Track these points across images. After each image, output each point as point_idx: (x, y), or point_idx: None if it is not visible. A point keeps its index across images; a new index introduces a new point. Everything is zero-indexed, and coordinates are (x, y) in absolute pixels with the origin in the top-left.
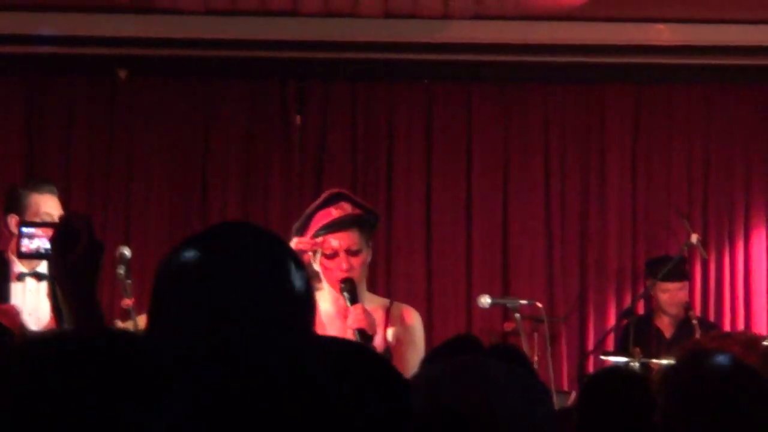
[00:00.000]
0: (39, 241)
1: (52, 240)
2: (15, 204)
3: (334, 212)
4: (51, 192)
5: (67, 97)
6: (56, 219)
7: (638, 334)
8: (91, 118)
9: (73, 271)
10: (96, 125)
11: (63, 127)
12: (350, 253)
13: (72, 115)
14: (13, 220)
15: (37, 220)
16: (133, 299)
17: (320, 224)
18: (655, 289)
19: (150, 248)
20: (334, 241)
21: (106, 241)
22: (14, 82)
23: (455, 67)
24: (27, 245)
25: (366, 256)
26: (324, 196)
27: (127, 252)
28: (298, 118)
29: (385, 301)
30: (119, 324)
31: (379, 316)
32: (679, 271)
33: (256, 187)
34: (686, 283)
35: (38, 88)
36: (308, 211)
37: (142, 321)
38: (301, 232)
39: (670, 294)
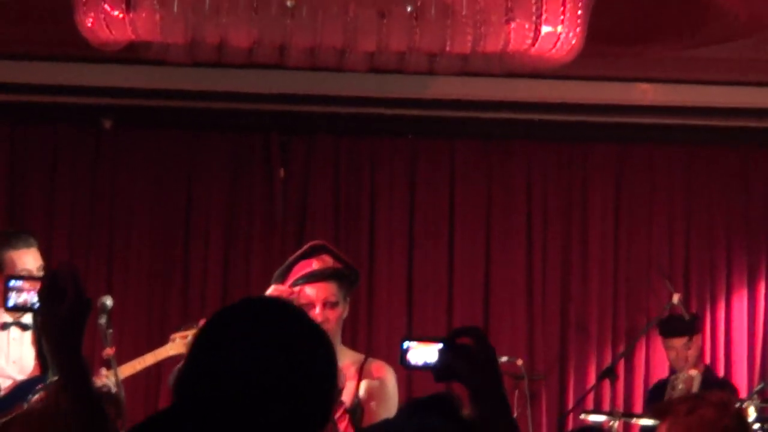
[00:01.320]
0: (26, 294)
1: (39, 294)
2: None
3: (314, 264)
4: (27, 246)
5: (51, 146)
6: (35, 273)
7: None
8: (74, 166)
9: (60, 325)
10: (80, 174)
11: (46, 175)
12: (327, 305)
13: (56, 163)
14: None
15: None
16: (114, 348)
17: (299, 274)
18: (665, 346)
19: (131, 298)
20: (311, 291)
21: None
22: None
23: (440, 123)
24: (14, 299)
25: (342, 310)
26: (306, 246)
27: (108, 302)
28: (281, 171)
29: (360, 357)
30: (104, 372)
31: (351, 372)
32: (681, 327)
33: (238, 239)
34: (686, 339)
35: (22, 135)
36: (290, 260)
37: (123, 370)
38: (280, 279)
39: (673, 351)
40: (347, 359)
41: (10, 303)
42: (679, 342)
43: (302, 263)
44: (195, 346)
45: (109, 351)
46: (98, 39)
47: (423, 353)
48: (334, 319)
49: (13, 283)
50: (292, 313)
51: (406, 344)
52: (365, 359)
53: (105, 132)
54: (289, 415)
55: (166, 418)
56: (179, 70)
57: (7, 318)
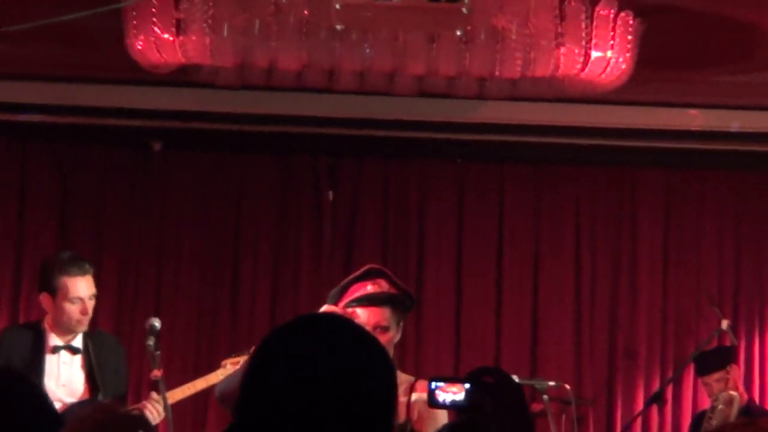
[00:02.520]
0: None
1: None
2: (47, 284)
3: (370, 287)
4: (82, 273)
5: (100, 168)
6: (88, 298)
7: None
8: (123, 189)
9: None
10: (128, 196)
11: (95, 198)
12: (378, 329)
13: (105, 185)
14: (44, 299)
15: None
16: (161, 370)
17: (354, 296)
18: (704, 383)
19: (180, 320)
20: (363, 314)
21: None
22: (48, 151)
23: (488, 147)
24: None
25: (394, 334)
26: (363, 269)
27: (156, 323)
28: (330, 194)
29: (410, 378)
30: (154, 396)
31: (401, 391)
32: (715, 362)
33: (286, 262)
34: (722, 372)
35: (72, 157)
36: (345, 281)
37: (173, 395)
38: (334, 300)
39: (709, 387)
40: (399, 380)
41: None
42: (717, 376)
43: (357, 285)
44: (252, 365)
45: (156, 373)
46: (148, 62)
47: (451, 392)
48: (384, 344)
49: None
50: (349, 328)
51: (434, 384)
52: (415, 380)
53: (154, 154)
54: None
55: None
56: (228, 93)
57: (58, 341)
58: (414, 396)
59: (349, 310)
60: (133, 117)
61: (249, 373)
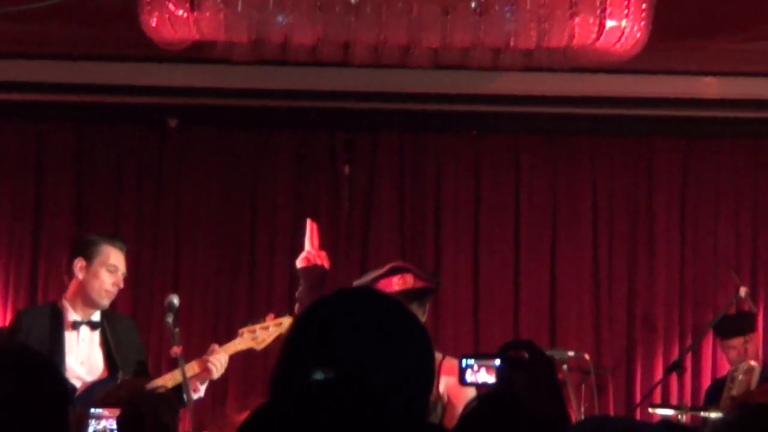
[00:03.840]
0: (105, 422)
1: (118, 421)
2: (86, 249)
3: (395, 282)
4: (122, 248)
5: (116, 145)
6: (121, 273)
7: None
8: (140, 166)
9: None
10: (145, 173)
11: (112, 175)
12: None
13: (121, 162)
14: (79, 264)
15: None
16: (181, 347)
17: None
18: (723, 347)
19: (198, 296)
20: None
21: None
22: (65, 129)
23: (504, 118)
24: (93, 426)
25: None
26: (388, 267)
27: (175, 300)
28: (346, 168)
29: (438, 355)
30: (216, 348)
31: None
32: (738, 326)
33: (303, 236)
34: (743, 337)
35: (88, 136)
36: (369, 277)
37: (190, 368)
38: None
39: (736, 350)
40: None
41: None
42: (737, 341)
43: (383, 282)
44: (291, 338)
45: (176, 349)
46: (163, 38)
47: (482, 370)
48: None
49: (92, 410)
50: (388, 302)
51: (464, 362)
52: (443, 357)
53: (170, 131)
54: (390, 403)
55: (272, 414)
56: (243, 68)
57: (77, 317)
58: (443, 380)
59: None
60: (148, 94)
61: (287, 345)
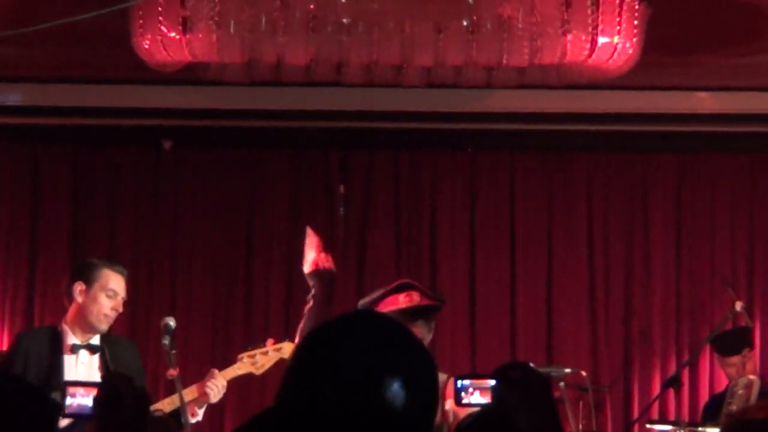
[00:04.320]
0: (81, 399)
1: (95, 399)
2: (86, 273)
3: (401, 299)
4: (122, 273)
5: (112, 168)
6: (120, 298)
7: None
8: (135, 188)
9: (117, 430)
10: (141, 195)
11: (108, 197)
12: None
13: (117, 184)
14: (78, 287)
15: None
16: (177, 369)
17: (386, 310)
18: (722, 364)
19: (194, 318)
20: None
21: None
22: (60, 152)
23: (498, 136)
24: (70, 404)
25: (428, 341)
26: (396, 284)
27: (171, 322)
28: (341, 187)
29: (442, 376)
30: (215, 372)
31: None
32: (737, 343)
33: (299, 256)
34: (742, 354)
35: (83, 158)
36: (376, 295)
37: (189, 392)
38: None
39: (735, 367)
40: None
41: (66, 409)
42: (736, 359)
43: (389, 299)
44: (296, 362)
45: (172, 372)
46: (156, 60)
47: (477, 392)
48: None
49: (70, 388)
50: (394, 327)
51: (459, 383)
52: (447, 378)
53: (165, 153)
54: (396, 425)
55: (272, 418)
56: (237, 89)
57: (76, 340)
58: (447, 404)
59: None
60: (142, 116)
61: (292, 365)
